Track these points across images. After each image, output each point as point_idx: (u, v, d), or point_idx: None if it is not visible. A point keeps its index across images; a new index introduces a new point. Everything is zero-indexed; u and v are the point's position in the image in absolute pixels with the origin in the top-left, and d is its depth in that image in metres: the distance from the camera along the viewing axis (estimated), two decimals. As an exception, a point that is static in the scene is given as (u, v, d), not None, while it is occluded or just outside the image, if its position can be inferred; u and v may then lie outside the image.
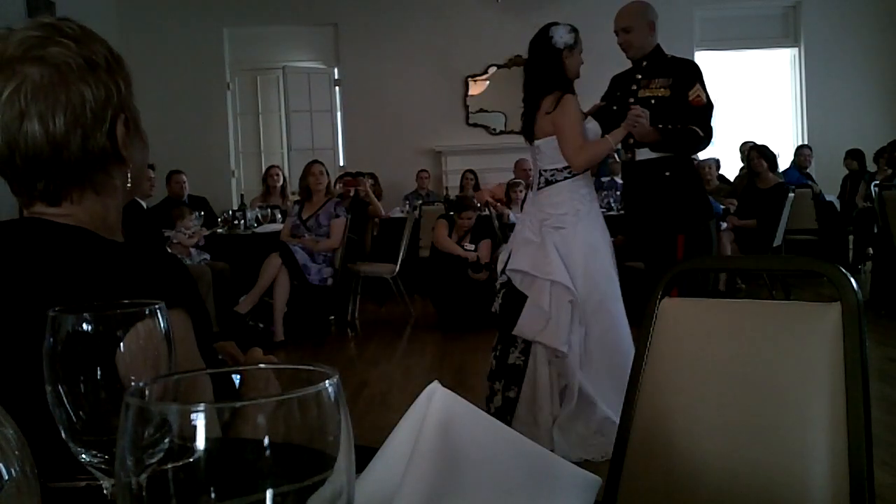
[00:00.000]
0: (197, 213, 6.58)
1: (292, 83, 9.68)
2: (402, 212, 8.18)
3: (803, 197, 7.47)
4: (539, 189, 3.54)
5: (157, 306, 0.65)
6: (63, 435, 0.63)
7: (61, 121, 1.05)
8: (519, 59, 9.95)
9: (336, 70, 10.04)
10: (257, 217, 7.19)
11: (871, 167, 8.68)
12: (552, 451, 1.27)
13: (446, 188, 9.53)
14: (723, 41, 10.43)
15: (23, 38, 1.05)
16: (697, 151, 3.93)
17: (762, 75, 11.61)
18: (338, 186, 7.62)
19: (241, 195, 9.49)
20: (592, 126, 3.57)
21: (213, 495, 0.38)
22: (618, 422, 3.46)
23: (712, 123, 3.70)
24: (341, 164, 9.89)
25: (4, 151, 1.07)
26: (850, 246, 8.29)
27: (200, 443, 0.38)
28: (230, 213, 7.32)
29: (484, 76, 9.89)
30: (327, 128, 9.96)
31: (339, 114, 10.06)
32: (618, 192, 7.30)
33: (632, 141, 3.59)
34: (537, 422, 3.39)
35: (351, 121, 9.98)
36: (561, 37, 3.46)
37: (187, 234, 6.25)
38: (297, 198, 7.03)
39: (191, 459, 0.38)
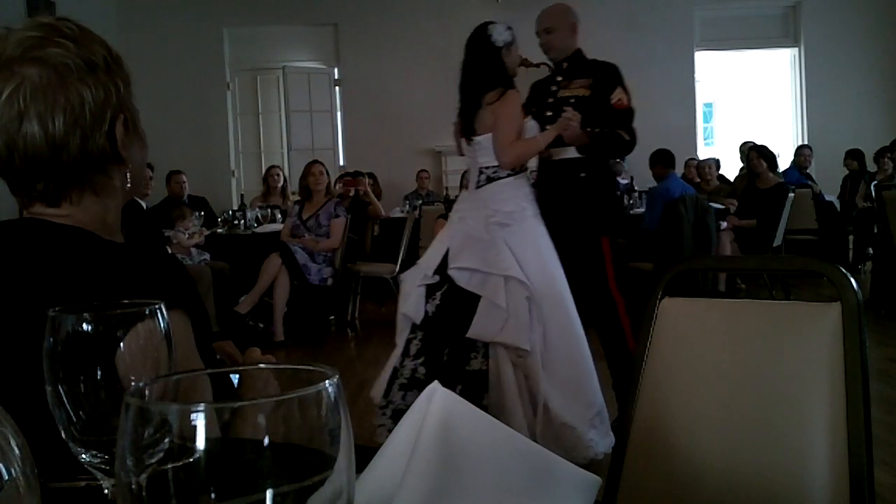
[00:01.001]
0: (197, 214, 6.58)
1: (292, 83, 9.68)
2: (402, 212, 8.18)
3: (803, 197, 7.47)
4: (479, 186, 3.42)
5: (157, 306, 0.65)
6: (63, 435, 0.63)
7: (60, 122, 1.05)
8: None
9: (336, 70, 10.05)
10: (257, 217, 7.19)
11: (871, 167, 8.68)
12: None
13: (446, 188, 9.52)
14: (723, 41, 10.43)
15: (21, 38, 1.05)
16: (623, 155, 3.95)
17: (762, 75, 11.63)
18: (338, 186, 7.62)
19: (241, 195, 9.50)
20: (532, 125, 3.52)
21: (213, 495, 0.38)
22: (577, 427, 3.30)
23: (634, 126, 3.72)
24: (341, 164, 9.89)
25: (3, 152, 1.07)
26: (850, 246, 8.29)
27: (200, 443, 0.38)
28: (230, 213, 7.32)
29: (484, 76, 9.88)
30: (327, 128, 9.97)
31: (339, 114, 10.06)
32: (618, 192, 7.29)
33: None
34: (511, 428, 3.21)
35: (351, 121, 9.98)
36: (500, 34, 3.45)
37: (187, 235, 6.25)
38: (297, 198, 7.03)
39: (191, 459, 0.38)
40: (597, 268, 3.63)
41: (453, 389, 3.05)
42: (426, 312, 3.37)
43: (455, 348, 3.32)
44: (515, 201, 3.37)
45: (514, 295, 3.23)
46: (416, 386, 3.31)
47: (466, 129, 3.47)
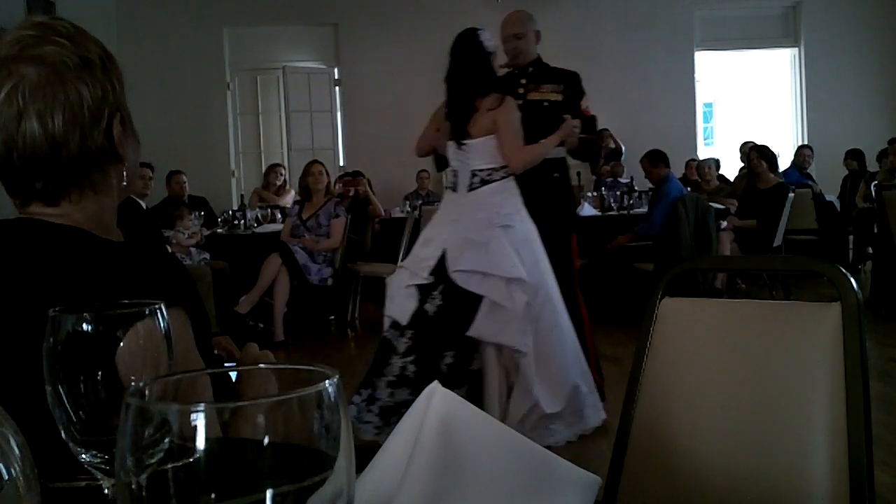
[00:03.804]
0: (196, 214, 6.58)
1: (292, 83, 9.67)
2: (402, 212, 8.18)
3: (803, 197, 7.47)
4: (472, 189, 3.51)
5: (156, 306, 0.65)
6: (63, 435, 0.63)
7: (60, 119, 1.05)
8: (519, 59, 9.96)
9: (336, 70, 10.04)
10: (257, 217, 7.19)
11: (874, 167, 8.66)
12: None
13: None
14: (723, 41, 10.42)
15: (17, 37, 1.05)
16: (595, 159, 4.24)
17: (762, 75, 11.63)
18: (337, 186, 7.62)
19: (241, 195, 9.49)
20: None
21: (213, 495, 0.38)
22: (553, 418, 3.40)
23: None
24: (341, 164, 9.88)
25: (2, 151, 1.07)
26: (850, 246, 8.29)
27: (200, 443, 0.38)
28: (230, 213, 7.31)
29: (484, 76, 9.86)
30: (327, 128, 9.96)
31: (339, 114, 10.05)
32: (618, 193, 7.30)
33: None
34: None
35: (351, 121, 9.97)
36: (488, 40, 3.55)
37: (186, 235, 6.25)
38: (296, 197, 7.03)
39: (191, 459, 0.38)
40: (566, 263, 3.77)
41: (458, 390, 3.09)
42: (425, 312, 3.40)
43: (459, 349, 3.35)
44: (511, 202, 3.47)
45: (516, 296, 3.30)
46: (404, 383, 3.35)
47: (458, 132, 3.52)
